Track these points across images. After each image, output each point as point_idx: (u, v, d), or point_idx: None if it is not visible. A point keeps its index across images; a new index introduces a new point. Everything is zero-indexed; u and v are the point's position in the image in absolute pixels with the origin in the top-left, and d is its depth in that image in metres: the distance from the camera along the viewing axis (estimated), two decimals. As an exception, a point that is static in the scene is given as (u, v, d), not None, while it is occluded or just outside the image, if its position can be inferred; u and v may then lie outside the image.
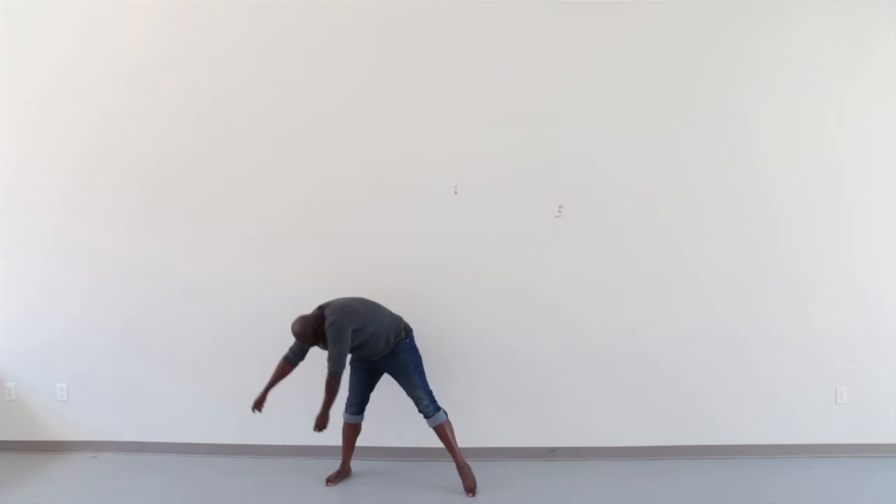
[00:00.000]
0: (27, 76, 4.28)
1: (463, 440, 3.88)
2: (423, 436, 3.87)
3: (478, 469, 3.88)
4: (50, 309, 4.36)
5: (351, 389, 3.91)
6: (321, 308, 3.70)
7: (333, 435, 3.98)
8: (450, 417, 3.83)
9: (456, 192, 4.19)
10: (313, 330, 3.59)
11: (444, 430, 3.79)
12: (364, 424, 3.96)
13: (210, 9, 4.19)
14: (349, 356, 3.69)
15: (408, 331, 3.86)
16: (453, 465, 3.84)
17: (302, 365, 4.23)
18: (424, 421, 3.80)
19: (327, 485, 3.90)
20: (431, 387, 3.84)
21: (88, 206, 4.30)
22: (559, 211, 4.18)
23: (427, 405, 3.78)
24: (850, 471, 4.08)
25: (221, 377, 4.31)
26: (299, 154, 4.23)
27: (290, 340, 4.26)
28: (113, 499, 3.82)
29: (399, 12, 4.16)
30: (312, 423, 3.67)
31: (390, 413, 3.94)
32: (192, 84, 4.23)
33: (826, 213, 4.19)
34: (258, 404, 3.82)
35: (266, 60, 4.21)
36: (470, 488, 3.78)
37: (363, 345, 3.68)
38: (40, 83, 4.28)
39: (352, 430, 3.93)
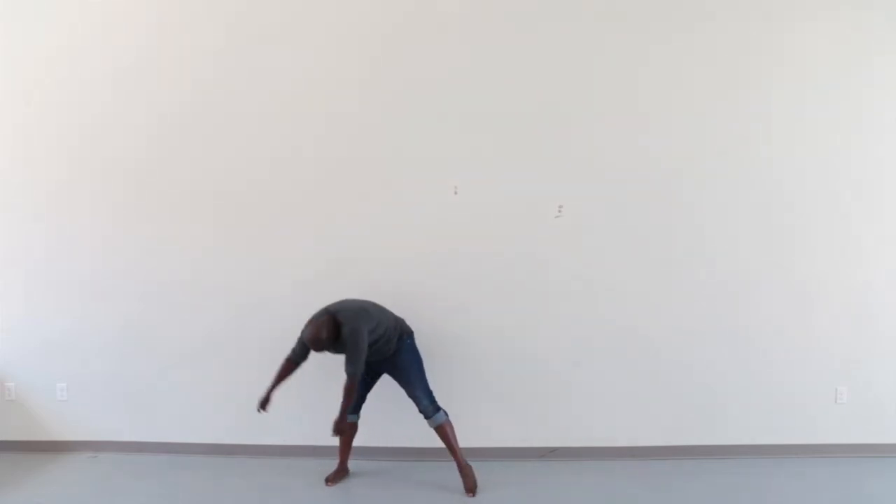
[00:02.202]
0: (18, 75, 4.27)
1: (463, 440, 3.87)
2: (423, 436, 3.87)
3: (478, 469, 3.88)
4: (50, 309, 4.36)
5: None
6: (329, 312, 3.65)
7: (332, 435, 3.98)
8: (450, 417, 3.83)
9: (456, 192, 4.19)
10: (328, 335, 3.56)
11: (444, 431, 3.80)
12: (363, 424, 3.96)
13: (203, 6, 4.19)
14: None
15: (409, 333, 3.87)
16: (453, 464, 3.84)
17: (303, 366, 4.24)
18: (424, 421, 3.80)
19: (327, 485, 3.90)
20: (431, 387, 3.85)
21: (88, 206, 4.30)
22: (559, 211, 4.18)
23: (427, 406, 3.78)
24: (850, 471, 4.08)
25: (221, 377, 4.31)
26: (299, 154, 4.23)
27: (291, 339, 4.27)
28: (113, 499, 3.82)
29: (398, 8, 4.16)
30: (327, 426, 3.66)
31: (390, 413, 3.94)
32: (185, 82, 4.23)
33: (827, 213, 4.19)
34: (263, 404, 3.79)
35: (261, 57, 4.21)
36: (470, 488, 3.78)
37: (372, 346, 3.67)
38: (29, 82, 4.27)
39: (350, 430, 3.92)
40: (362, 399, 3.92)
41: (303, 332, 3.67)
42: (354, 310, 3.67)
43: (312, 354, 3.75)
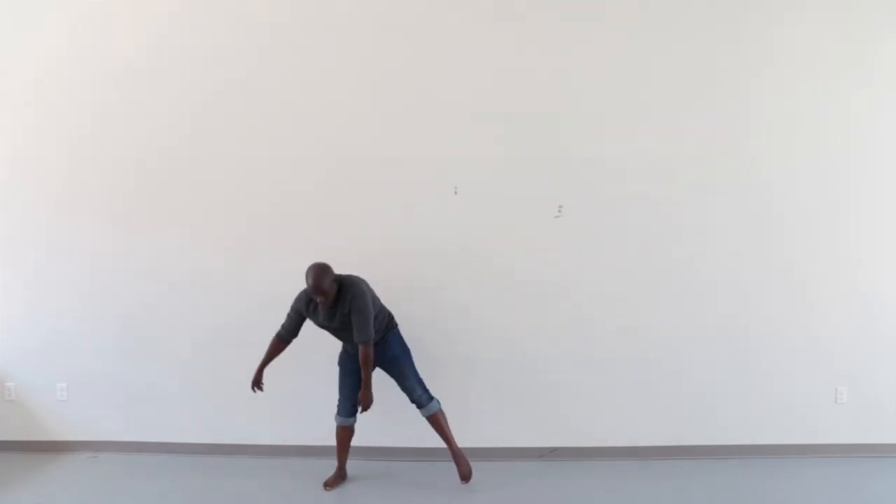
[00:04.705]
0: (20, 75, 4.27)
1: (462, 440, 3.88)
2: (423, 436, 3.87)
3: (477, 469, 3.88)
4: (50, 309, 4.35)
5: (342, 391, 3.86)
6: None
7: (333, 434, 3.98)
8: (450, 417, 3.83)
9: (456, 192, 4.19)
10: (329, 285, 3.53)
11: (437, 419, 3.81)
12: (362, 424, 3.94)
13: (203, 7, 4.19)
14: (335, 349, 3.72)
15: (395, 324, 3.87)
16: (452, 465, 3.85)
17: (303, 365, 4.23)
18: (423, 421, 3.80)
19: (325, 489, 3.89)
20: (432, 387, 3.85)
21: (88, 205, 4.30)
22: (559, 211, 4.18)
23: (420, 395, 3.79)
24: (850, 471, 4.08)
25: (222, 377, 4.30)
26: (300, 154, 4.22)
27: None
28: (113, 499, 3.83)
29: (398, 6, 4.16)
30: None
31: (388, 413, 3.93)
32: (185, 83, 4.23)
33: (827, 214, 4.18)
34: (256, 383, 3.81)
35: (261, 57, 4.20)
36: (465, 475, 3.80)
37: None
38: (33, 82, 4.27)
39: (346, 433, 3.90)
40: (357, 401, 3.87)
41: (297, 298, 3.71)
42: (357, 278, 3.69)
43: (305, 332, 3.73)
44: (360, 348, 3.60)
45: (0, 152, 4.32)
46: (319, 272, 3.53)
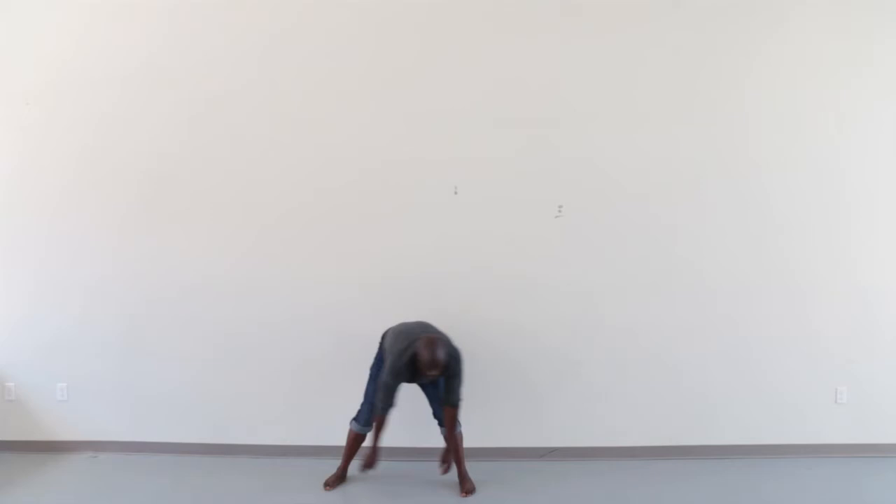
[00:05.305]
0: (24, 77, 4.27)
1: (464, 440, 3.88)
2: (423, 436, 3.87)
3: (477, 469, 3.88)
4: (50, 309, 4.35)
5: (368, 398, 3.81)
6: (432, 336, 3.57)
7: (333, 435, 3.98)
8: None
9: (456, 193, 4.19)
10: (445, 362, 3.51)
11: (455, 441, 3.79)
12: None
13: (209, 10, 4.19)
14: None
15: None
16: (452, 465, 3.85)
17: (304, 365, 4.24)
18: (424, 421, 3.80)
19: (325, 489, 3.88)
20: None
21: (89, 207, 4.29)
22: (559, 211, 4.18)
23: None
24: (850, 471, 4.08)
25: (221, 377, 4.30)
26: (300, 155, 4.23)
27: (289, 341, 4.27)
28: (113, 499, 3.82)
29: (399, 13, 4.16)
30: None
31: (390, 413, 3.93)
32: (191, 85, 4.23)
33: (826, 213, 4.19)
34: (371, 464, 3.69)
35: (266, 61, 4.21)
36: (468, 491, 3.78)
37: None
38: (38, 84, 4.26)
39: (359, 441, 3.88)
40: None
41: (396, 366, 3.54)
42: (445, 336, 3.66)
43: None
44: (448, 409, 3.68)
45: (2, 153, 4.32)
46: (440, 348, 3.49)
